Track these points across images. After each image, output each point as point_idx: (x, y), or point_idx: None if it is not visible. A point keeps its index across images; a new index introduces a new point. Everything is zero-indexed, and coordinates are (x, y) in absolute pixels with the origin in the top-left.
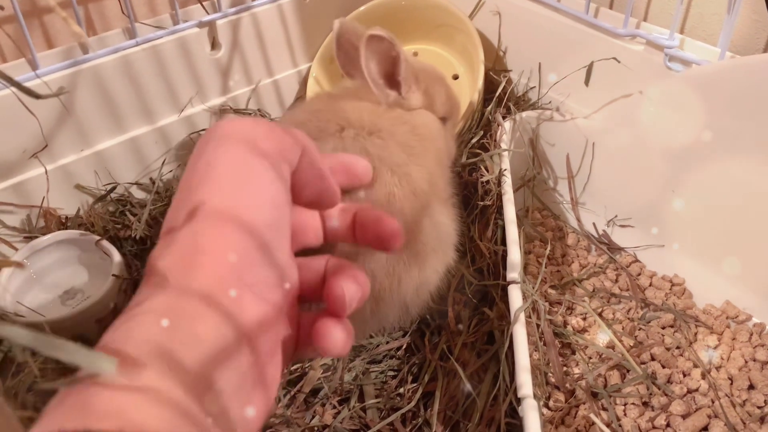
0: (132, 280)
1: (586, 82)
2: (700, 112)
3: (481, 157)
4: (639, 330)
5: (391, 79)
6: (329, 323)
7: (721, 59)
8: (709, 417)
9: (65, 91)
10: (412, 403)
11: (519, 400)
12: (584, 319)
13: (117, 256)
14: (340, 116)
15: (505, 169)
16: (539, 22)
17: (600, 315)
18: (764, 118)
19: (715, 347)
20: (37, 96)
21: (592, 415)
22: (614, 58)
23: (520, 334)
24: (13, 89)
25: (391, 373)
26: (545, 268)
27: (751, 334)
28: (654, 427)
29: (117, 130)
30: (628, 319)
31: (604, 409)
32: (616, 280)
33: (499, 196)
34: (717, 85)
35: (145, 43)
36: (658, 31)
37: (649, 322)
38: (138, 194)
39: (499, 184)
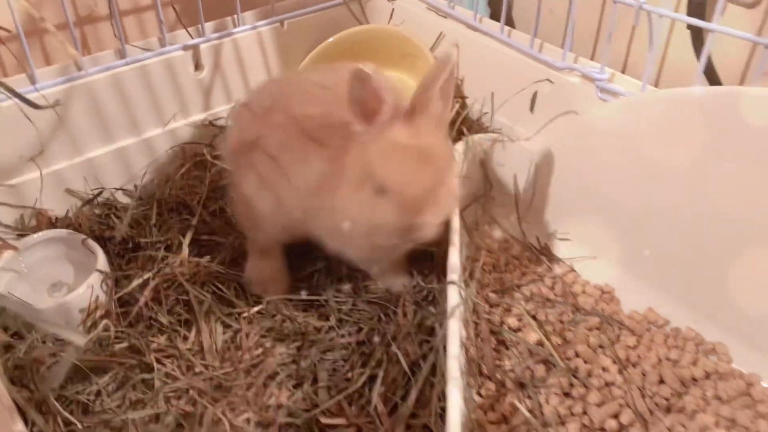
0: (113, 276)
1: (531, 108)
2: (624, 137)
3: None
4: (568, 331)
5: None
6: None
7: (643, 91)
8: (621, 406)
9: (60, 103)
10: (357, 385)
11: None
12: (519, 320)
13: (101, 254)
14: None
15: None
16: (492, 54)
17: (534, 317)
18: (678, 142)
19: (634, 347)
20: (36, 106)
21: (516, 402)
22: (548, 80)
23: (453, 327)
24: (15, 100)
25: (342, 362)
26: (489, 274)
27: (667, 337)
28: (572, 414)
29: (106, 140)
30: (560, 321)
31: (529, 397)
32: (552, 288)
33: None
34: (637, 113)
35: (134, 63)
36: (591, 65)
37: (578, 324)
38: (123, 199)
39: None
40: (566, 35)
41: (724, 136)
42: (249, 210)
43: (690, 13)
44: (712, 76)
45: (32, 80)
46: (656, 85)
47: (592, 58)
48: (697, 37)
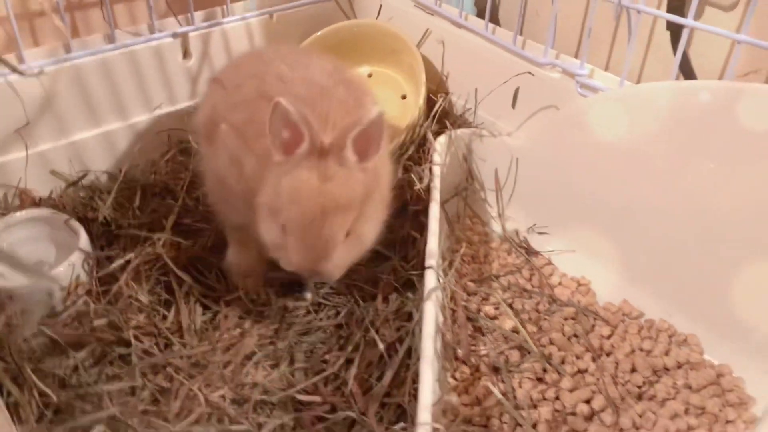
0: (95, 256)
1: (513, 104)
2: (602, 132)
3: (419, 169)
4: (543, 320)
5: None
6: None
7: (621, 87)
8: (593, 392)
9: (44, 72)
10: (335, 368)
11: None
12: (496, 308)
13: (83, 233)
14: None
15: (434, 178)
16: (477, 50)
17: (510, 306)
18: (652, 136)
19: (608, 337)
20: (19, 72)
21: (489, 384)
22: (529, 72)
23: (429, 309)
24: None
25: (320, 345)
26: (469, 265)
27: (641, 328)
28: (544, 398)
29: (92, 123)
30: (536, 310)
31: (503, 381)
32: (530, 279)
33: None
34: (615, 108)
35: (123, 48)
36: (572, 61)
37: (554, 314)
38: (107, 183)
39: (428, 190)
40: (549, 32)
41: (698, 131)
42: (219, 186)
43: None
44: (690, 78)
45: (20, 59)
46: (638, 83)
47: (576, 57)
48: (677, 39)
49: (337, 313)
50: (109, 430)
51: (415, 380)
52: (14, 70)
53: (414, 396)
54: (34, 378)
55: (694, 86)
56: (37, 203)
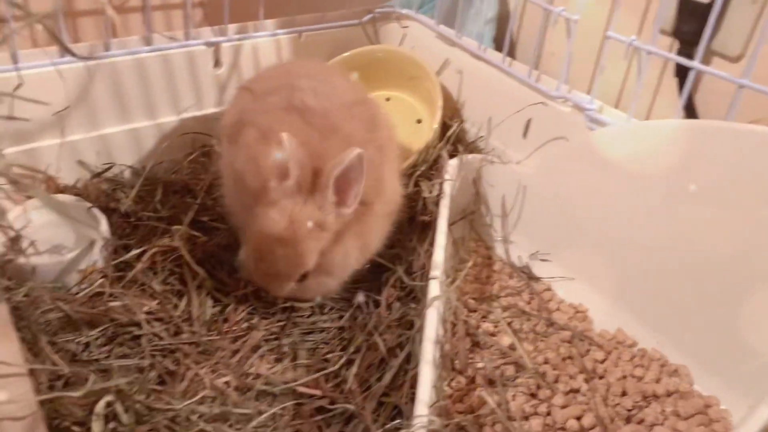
0: (113, 243)
1: (524, 134)
2: (607, 165)
3: (431, 182)
4: (540, 341)
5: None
6: None
7: (627, 123)
8: (584, 411)
9: (96, 56)
10: (336, 366)
11: None
12: (495, 326)
13: (104, 221)
14: None
15: (444, 194)
16: (493, 81)
17: (509, 325)
18: (654, 172)
19: (602, 361)
20: (76, 55)
21: (484, 394)
22: (542, 103)
23: (431, 315)
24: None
25: (323, 345)
26: (470, 284)
27: (634, 356)
28: (536, 413)
29: (122, 119)
30: (533, 331)
31: (497, 393)
32: (529, 302)
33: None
34: (620, 142)
35: (158, 51)
36: (583, 96)
37: (550, 336)
38: (130, 177)
39: (436, 204)
40: (563, 66)
41: (698, 170)
42: (235, 184)
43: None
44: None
45: (63, 53)
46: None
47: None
48: (684, 84)
49: (341, 317)
50: (118, 400)
51: (413, 385)
52: (74, 54)
53: (411, 399)
54: (48, 349)
55: (699, 125)
56: (61, 190)
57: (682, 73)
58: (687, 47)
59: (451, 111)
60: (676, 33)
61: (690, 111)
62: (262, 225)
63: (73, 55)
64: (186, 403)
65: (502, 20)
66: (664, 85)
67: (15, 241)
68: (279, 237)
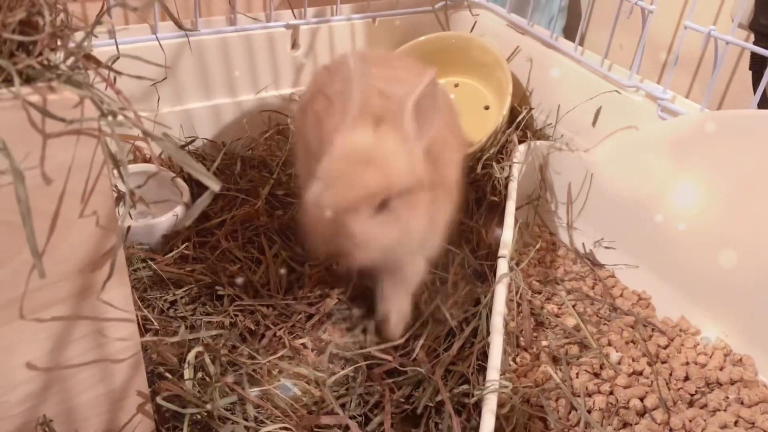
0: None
1: (594, 123)
2: (677, 155)
3: (500, 164)
4: (603, 324)
5: None
6: None
7: (701, 113)
8: (647, 392)
9: (193, 29)
10: (403, 339)
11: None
12: (559, 308)
13: (186, 190)
14: None
15: (513, 176)
16: (563, 69)
17: (573, 307)
18: (726, 163)
19: (665, 347)
20: (185, 28)
21: (549, 369)
22: (616, 91)
23: (500, 291)
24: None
25: None
26: (535, 268)
27: (697, 344)
28: (599, 391)
29: (205, 95)
30: (597, 315)
31: (561, 370)
32: (593, 288)
33: (506, 197)
34: (693, 132)
35: (241, 31)
36: (655, 86)
37: (614, 320)
38: (210, 150)
39: (506, 186)
40: (636, 55)
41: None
42: (307, 156)
43: (754, 60)
44: None
45: (154, 30)
46: None
47: (659, 83)
48: (759, 79)
49: None
50: (206, 351)
51: (479, 357)
52: (183, 27)
53: (477, 369)
54: (139, 303)
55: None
56: (147, 160)
57: (757, 65)
58: (763, 40)
59: (519, 98)
60: (753, 25)
61: (764, 102)
62: (344, 140)
63: (186, 30)
64: (270, 357)
65: (572, 9)
66: (736, 79)
67: (131, 198)
68: (364, 151)
